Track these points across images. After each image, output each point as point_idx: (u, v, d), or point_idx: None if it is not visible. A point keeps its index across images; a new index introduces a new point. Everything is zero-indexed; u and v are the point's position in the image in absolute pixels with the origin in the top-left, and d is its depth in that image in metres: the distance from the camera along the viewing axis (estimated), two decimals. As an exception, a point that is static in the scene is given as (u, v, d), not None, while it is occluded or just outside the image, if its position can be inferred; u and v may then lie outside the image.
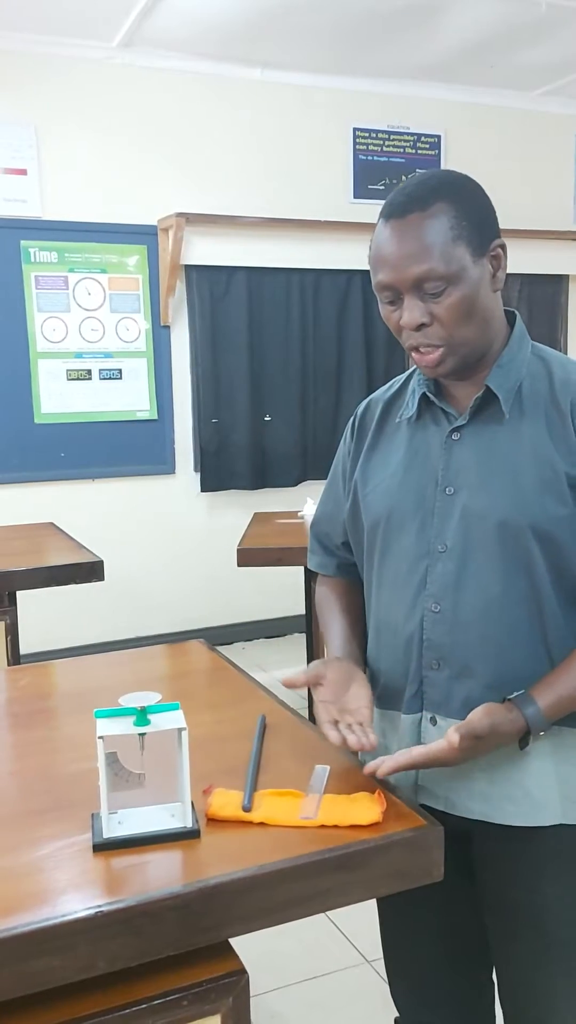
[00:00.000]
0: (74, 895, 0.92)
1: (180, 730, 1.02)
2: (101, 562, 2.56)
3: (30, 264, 4.20)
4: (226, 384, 4.61)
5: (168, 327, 4.50)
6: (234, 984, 0.97)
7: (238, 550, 3.06)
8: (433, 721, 1.23)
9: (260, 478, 4.73)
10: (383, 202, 1.19)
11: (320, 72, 4.55)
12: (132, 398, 4.47)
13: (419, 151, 4.92)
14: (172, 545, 4.58)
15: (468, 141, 4.97)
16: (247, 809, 1.06)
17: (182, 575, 4.59)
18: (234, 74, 4.44)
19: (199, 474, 4.62)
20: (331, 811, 1.06)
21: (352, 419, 1.40)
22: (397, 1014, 1.47)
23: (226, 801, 1.07)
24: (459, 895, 1.30)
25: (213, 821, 1.05)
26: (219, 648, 1.76)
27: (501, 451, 1.19)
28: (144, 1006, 0.94)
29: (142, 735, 1.03)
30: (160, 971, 0.95)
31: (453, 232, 1.12)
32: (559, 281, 5.28)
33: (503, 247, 1.17)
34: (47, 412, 4.30)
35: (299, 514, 3.33)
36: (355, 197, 4.77)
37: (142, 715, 1.02)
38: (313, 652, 3.21)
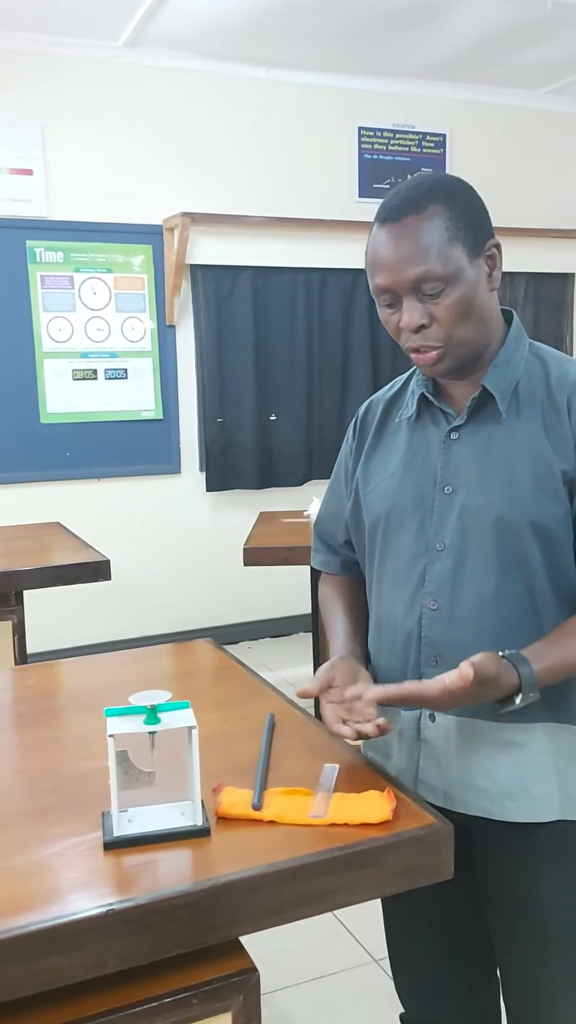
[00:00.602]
0: (84, 893, 0.92)
1: (190, 728, 1.02)
2: (108, 561, 2.56)
3: (36, 264, 4.21)
4: (231, 384, 4.61)
5: (173, 327, 4.50)
6: (244, 982, 0.97)
7: (245, 549, 3.06)
8: (432, 717, 1.25)
9: (266, 477, 4.72)
10: None
11: (325, 71, 4.55)
12: (138, 398, 4.47)
13: (424, 150, 4.91)
14: (178, 545, 4.59)
15: (473, 140, 4.97)
16: (257, 808, 1.06)
17: (188, 575, 4.59)
18: (239, 73, 4.44)
19: (204, 474, 4.63)
20: (341, 809, 1.05)
21: (354, 419, 1.42)
22: (402, 1011, 1.47)
23: (236, 799, 1.07)
24: (461, 891, 1.30)
25: (223, 819, 1.05)
26: (225, 647, 1.76)
27: (498, 450, 1.21)
28: (154, 1004, 0.94)
29: (152, 733, 1.03)
30: (170, 969, 0.95)
31: (449, 233, 1.13)
32: (565, 279, 5.27)
33: (498, 247, 1.19)
34: (53, 412, 4.31)
35: (305, 513, 3.33)
36: (360, 196, 4.77)
37: (152, 714, 1.02)
38: (319, 651, 3.22)
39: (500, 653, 1.13)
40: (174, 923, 0.91)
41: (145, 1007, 0.93)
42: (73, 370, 4.33)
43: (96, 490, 4.42)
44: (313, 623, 3.46)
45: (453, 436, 1.25)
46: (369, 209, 1.23)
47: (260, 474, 4.70)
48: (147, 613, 4.49)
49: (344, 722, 1.18)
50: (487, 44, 4.28)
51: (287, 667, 4.23)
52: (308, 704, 3.46)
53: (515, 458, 1.19)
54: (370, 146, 4.79)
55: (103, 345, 4.37)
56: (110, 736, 1.00)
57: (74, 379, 4.33)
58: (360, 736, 1.16)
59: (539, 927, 1.24)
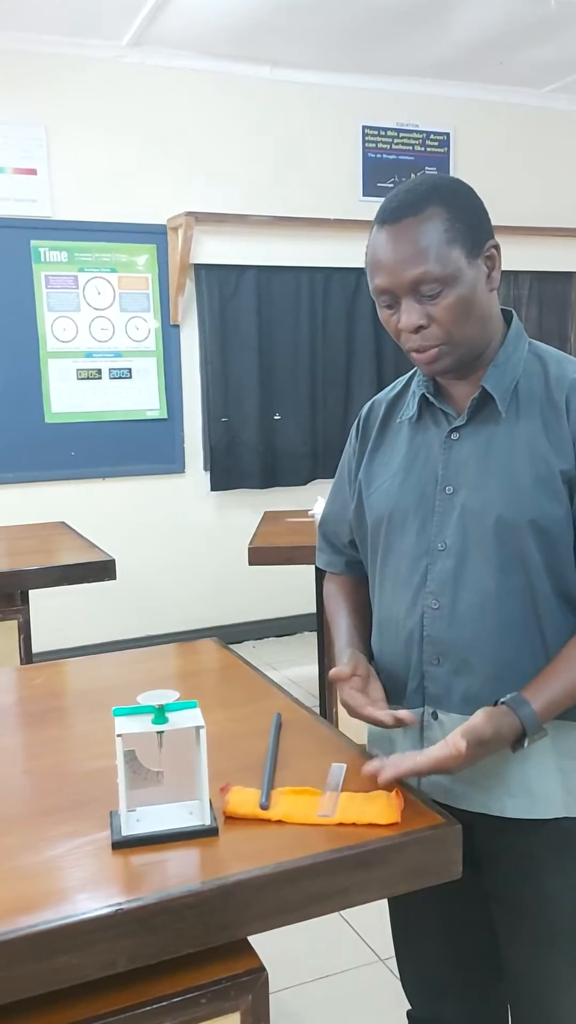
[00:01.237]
0: (93, 893, 0.92)
1: (198, 728, 1.02)
2: (113, 561, 2.56)
3: (40, 264, 4.21)
4: (236, 383, 4.61)
5: (178, 326, 4.50)
6: (253, 982, 0.97)
7: (249, 549, 3.06)
8: (434, 715, 1.25)
9: (270, 477, 4.72)
10: None
11: (329, 70, 4.55)
12: (142, 397, 4.47)
13: (428, 149, 4.91)
14: (182, 544, 4.59)
15: (477, 139, 4.97)
16: (265, 807, 1.06)
17: (192, 574, 4.60)
18: (242, 73, 4.44)
19: (209, 473, 4.62)
20: (349, 809, 1.06)
21: (357, 420, 1.43)
22: (409, 1008, 1.47)
23: (244, 799, 1.07)
24: (466, 887, 1.30)
25: (231, 819, 1.05)
26: (230, 647, 1.76)
27: (498, 450, 1.21)
28: (163, 1004, 0.94)
29: (161, 733, 1.03)
30: (179, 969, 0.95)
31: (447, 235, 1.14)
32: (568, 278, 5.26)
33: (497, 247, 1.20)
34: (57, 411, 4.31)
35: (309, 513, 3.33)
36: (364, 195, 4.77)
37: (160, 713, 1.02)
38: (324, 651, 3.21)
39: (499, 700, 1.14)
40: (183, 923, 0.91)
41: (154, 1006, 0.93)
42: (77, 370, 4.33)
43: (100, 490, 4.43)
44: (318, 622, 3.46)
45: (454, 436, 1.25)
46: (373, 208, 1.23)
47: (264, 473, 4.70)
48: (152, 612, 4.49)
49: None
50: (491, 43, 4.27)
51: (292, 666, 4.23)
52: (315, 703, 3.47)
53: (515, 458, 1.20)
54: (374, 145, 4.79)
55: (107, 345, 4.37)
56: (118, 735, 1.00)
57: (78, 379, 4.34)
58: (395, 720, 1.16)
59: (543, 923, 1.25)
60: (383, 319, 1.22)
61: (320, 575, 1.61)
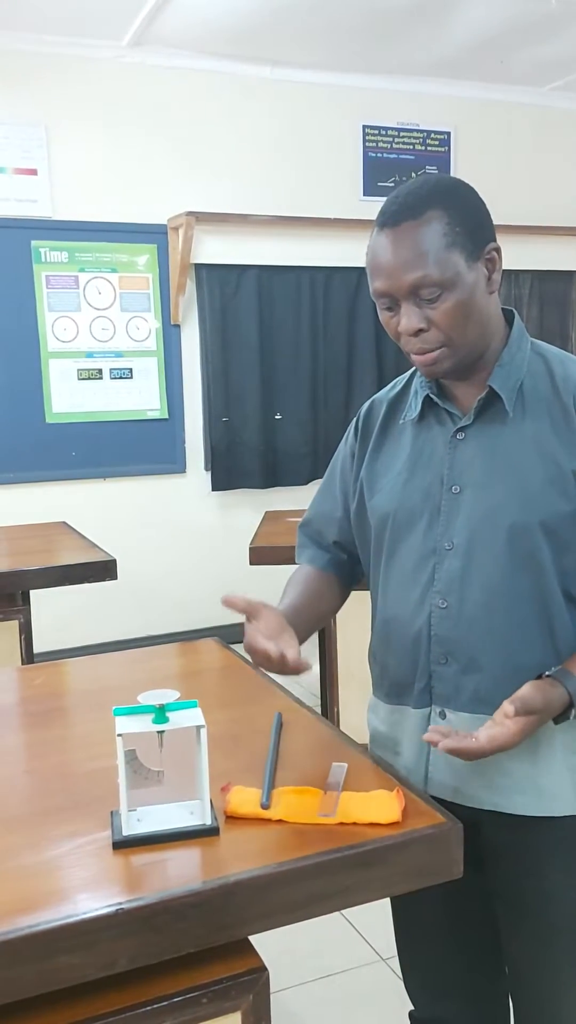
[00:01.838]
0: (94, 893, 0.92)
1: (199, 727, 1.02)
2: (114, 561, 2.56)
3: (41, 264, 4.21)
4: (237, 383, 4.61)
5: (178, 326, 4.50)
6: (254, 981, 0.97)
7: (250, 548, 3.06)
8: (442, 715, 1.25)
9: (271, 477, 4.72)
10: None
11: (330, 70, 4.55)
12: (143, 397, 4.47)
13: (429, 148, 4.91)
14: (183, 544, 4.59)
15: (478, 138, 4.96)
16: (265, 807, 1.06)
17: (193, 574, 4.59)
18: (243, 72, 4.44)
19: (210, 473, 4.62)
20: (350, 809, 1.05)
21: (355, 420, 1.42)
22: (411, 1008, 1.47)
23: (244, 799, 1.07)
24: (469, 885, 1.30)
25: (232, 819, 1.05)
26: (231, 647, 1.76)
27: (505, 449, 1.21)
28: (164, 1004, 0.94)
29: (161, 733, 1.03)
30: (180, 969, 0.95)
31: (447, 239, 1.14)
32: (570, 277, 5.26)
33: (498, 250, 1.20)
34: (58, 412, 4.31)
35: (311, 512, 3.32)
36: (365, 195, 4.77)
37: (161, 713, 1.02)
38: (325, 650, 3.21)
39: (546, 673, 1.15)
40: (184, 922, 0.91)
41: (155, 1006, 0.93)
42: (78, 370, 4.33)
43: (101, 490, 4.43)
44: (319, 622, 3.46)
45: (459, 436, 1.25)
46: (374, 207, 1.23)
47: (265, 473, 4.70)
48: (153, 612, 4.49)
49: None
50: (492, 42, 4.27)
51: (293, 666, 4.22)
52: (316, 703, 3.46)
53: (523, 457, 1.20)
54: (375, 144, 4.79)
55: (108, 345, 4.37)
56: (119, 735, 1.00)
57: (79, 379, 4.34)
58: (283, 657, 1.13)
59: (547, 920, 1.25)
60: (383, 321, 1.22)
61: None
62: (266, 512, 3.78)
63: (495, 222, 1.22)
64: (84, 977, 0.88)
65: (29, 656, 2.54)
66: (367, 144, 4.77)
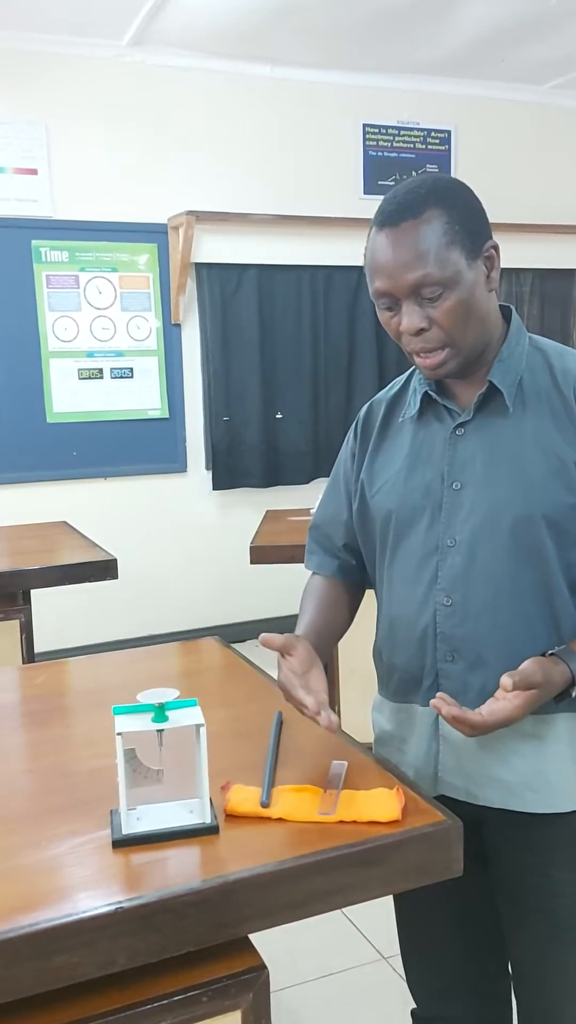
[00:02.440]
0: (94, 891, 0.92)
1: (198, 726, 1.02)
2: (115, 560, 2.56)
3: (41, 263, 4.21)
4: (237, 382, 4.60)
5: (179, 325, 4.50)
6: (254, 980, 0.97)
7: (251, 548, 3.06)
8: None
9: (272, 476, 4.72)
10: None
11: (330, 68, 4.54)
12: (143, 397, 4.47)
13: (429, 146, 4.90)
14: (184, 543, 4.59)
15: (479, 136, 4.96)
16: (265, 805, 1.06)
17: (194, 573, 4.60)
18: (243, 71, 4.43)
19: (211, 472, 4.62)
20: (349, 807, 1.05)
21: (355, 422, 1.42)
22: (413, 1006, 1.47)
23: (244, 797, 1.07)
24: (474, 883, 1.31)
25: (231, 817, 1.05)
26: (232, 646, 1.76)
27: (506, 444, 1.21)
28: (164, 1002, 0.94)
29: (160, 731, 1.03)
30: (180, 967, 0.95)
31: (447, 237, 1.13)
32: (571, 275, 5.25)
33: (496, 248, 1.20)
34: (59, 411, 4.31)
35: (311, 511, 3.31)
36: (365, 193, 4.76)
37: (160, 711, 1.02)
38: (326, 649, 3.22)
39: (548, 652, 1.15)
40: (183, 921, 0.91)
41: (155, 1005, 0.93)
42: (79, 369, 4.33)
43: (102, 489, 4.43)
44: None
45: (459, 432, 1.25)
46: (374, 206, 1.23)
47: (266, 472, 4.70)
48: (154, 612, 4.49)
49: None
50: (492, 40, 4.27)
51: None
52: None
53: (524, 452, 1.20)
54: (375, 143, 4.78)
55: (109, 344, 4.37)
56: (118, 734, 1.00)
57: (80, 378, 4.34)
58: (318, 714, 1.13)
59: (552, 916, 1.25)
60: (383, 321, 1.22)
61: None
62: (267, 511, 3.78)
63: (495, 220, 1.22)
64: (84, 976, 0.88)
65: (30, 655, 2.54)
66: (367, 143, 4.77)
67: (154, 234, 4.37)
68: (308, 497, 3.95)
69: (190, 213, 4.20)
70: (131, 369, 4.43)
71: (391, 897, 1.37)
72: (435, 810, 1.06)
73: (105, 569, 2.55)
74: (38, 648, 2.61)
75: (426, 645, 1.26)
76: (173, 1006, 0.94)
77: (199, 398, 4.59)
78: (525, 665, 1.12)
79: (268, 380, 4.65)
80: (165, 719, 1.02)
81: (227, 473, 4.64)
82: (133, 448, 4.46)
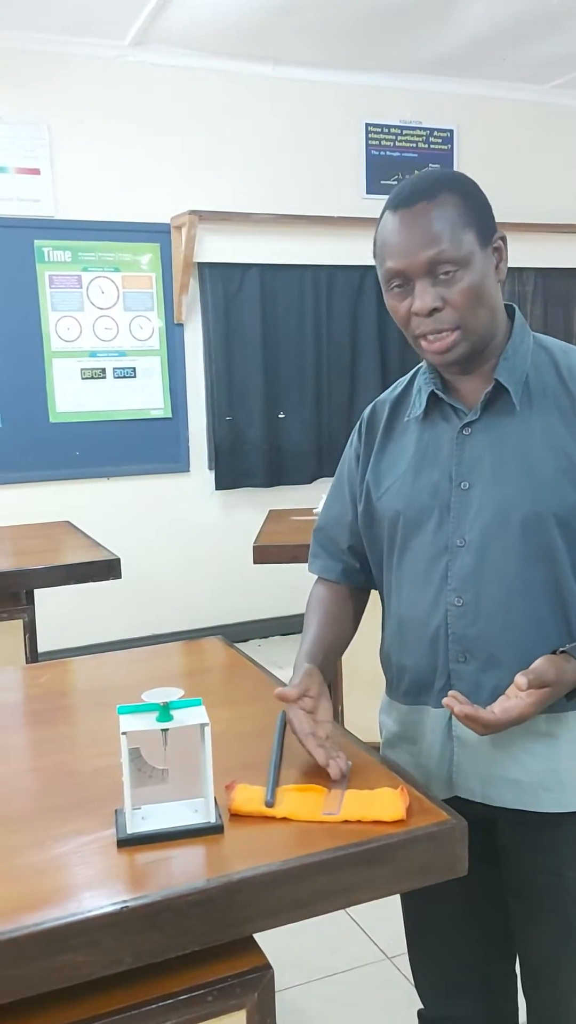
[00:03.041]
0: (99, 891, 0.92)
1: (203, 726, 1.02)
2: (118, 560, 2.56)
3: (44, 263, 4.21)
4: (240, 381, 4.61)
5: (182, 325, 4.50)
6: (259, 979, 0.97)
7: (254, 547, 3.06)
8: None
9: (275, 475, 4.72)
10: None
11: (332, 67, 4.54)
12: (146, 396, 4.48)
13: (432, 146, 4.90)
14: (187, 543, 4.59)
15: (481, 135, 4.96)
16: (270, 805, 1.06)
17: (197, 573, 4.60)
18: (246, 70, 4.43)
19: (214, 472, 4.63)
20: (354, 806, 1.05)
21: (359, 423, 1.42)
22: (420, 1007, 1.47)
23: (249, 797, 1.07)
24: (483, 884, 1.31)
25: (236, 817, 1.05)
26: (235, 645, 1.76)
27: (514, 443, 1.21)
28: (169, 1002, 0.94)
29: (165, 731, 1.03)
30: (185, 967, 0.95)
31: (462, 219, 1.15)
32: (573, 274, 5.25)
33: (504, 240, 1.21)
34: (62, 411, 4.32)
35: (314, 511, 3.32)
36: (368, 192, 4.76)
37: (165, 711, 1.02)
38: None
39: (559, 649, 1.15)
40: (188, 920, 0.91)
41: (160, 1004, 0.93)
42: (82, 369, 4.33)
43: (105, 489, 4.43)
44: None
45: (466, 432, 1.24)
46: (376, 206, 1.23)
47: (269, 472, 4.70)
48: (157, 611, 4.49)
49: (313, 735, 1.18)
50: (494, 39, 4.26)
51: (297, 665, 4.22)
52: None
53: (533, 450, 1.19)
54: (377, 142, 4.78)
55: (111, 344, 4.37)
56: (123, 733, 1.00)
57: (83, 378, 4.34)
58: (328, 765, 1.14)
59: (562, 914, 1.25)
60: (392, 306, 1.21)
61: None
62: (270, 511, 3.78)
63: (498, 220, 1.23)
64: (89, 975, 0.88)
65: (33, 655, 2.54)
66: (370, 142, 4.77)
67: (157, 234, 4.37)
68: (311, 497, 3.95)
69: (193, 213, 4.20)
70: (134, 369, 4.43)
71: (396, 897, 1.36)
72: (439, 809, 1.06)
73: (108, 569, 2.55)
74: (41, 648, 2.61)
75: (437, 646, 1.25)
76: (178, 1006, 0.94)
77: (202, 398, 4.59)
78: (538, 663, 1.12)
79: (271, 380, 4.65)
80: (169, 718, 1.02)
81: (230, 473, 4.64)
82: (136, 448, 4.47)
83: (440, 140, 4.91)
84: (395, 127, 4.81)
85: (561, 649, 1.15)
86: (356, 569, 1.43)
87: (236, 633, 4.52)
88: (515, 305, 1.29)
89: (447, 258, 1.14)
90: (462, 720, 1.13)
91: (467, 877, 1.05)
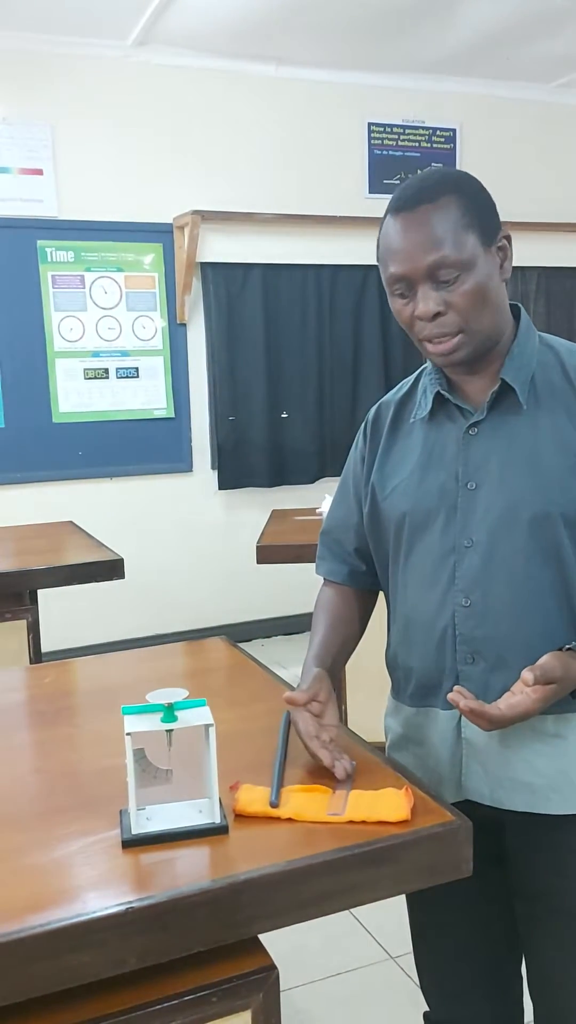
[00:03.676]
0: (104, 891, 0.92)
1: (207, 726, 1.02)
2: (121, 560, 2.56)
3: (47, 264, 4.22)
4: (243, 381, 4.61)
5: (184, 325, 4.50)
6: (264, 980, 0.97)
7: (258, 547, 3.06)
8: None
9: (277, 475, 4.72)
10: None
11: (335, 67, 4.54)
12: (149, 396, 4.48)
13: (435, 145, 4.90)
14: (190, 543, 4.59)
15: (484, 134, 4.95)
16: (274, 805, 1.06)
17: (201, 573, 4.60)
18: (248, 70, 4.43)
19: (216, 472, 4.63)
20: (359, 807, 1.05)
21: (363, 425, 1.41)
22: (426, 1009, 1.47)
23: (253, 797, 1.07)
24: (490, 885, 1.31)
25: (240, 817, 1.05)
26: (239, 645, 1.76)
27: (521, 443, 1.20)
28: (174, 1002, 0.94)
29: (170, 731, 1.03)
30: (190, 967, 0.95)
31: (464, 221, 1.14)
32: (577, 274, 5.25)
33: (508, 238, 1.20)
34: (65, 411, 4.32)
35: (317, 511, 3.32)
36: (371, 192, 4.76)
37: (169, 711, 1.02)
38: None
39: (566, 647, 1.14)
40: (193, 921, 0.91)
41: (165, 1005, 0.93)
42: (84, 369, 4.33)
43: (108, 489, 4.43)
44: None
45: (472, 432, 1.24)
46: (379, 205, 1.23)
47: (272, 472, 4.70)
48: (160, 611, 4.49)
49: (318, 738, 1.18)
50: (497, 38, 4.26)
51: (301, 665, 4.22)
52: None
53: (540, 449, 1.19)
54: (380, 142, 4.78)
55: (114, 344, 4.38)
56: (128, 734, 1.00)
57: (85, 378, 4.34)
58: (333, 767, 1.14)
59: (571, 916, 1.24)
60: (396, 309, 1.21)
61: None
62: (273, 511, 3.78)
63: (502, 219, 1.22)
64: (94, 976, 0.88)
65: (37, 655, 2.55)
66: (372, 141, 4.76)
67: (159, 234, 4.37)
68: (314, 497, 3.95)
69: (195, 213, 4.20)
70: (136, 369, 4.43)
71: (400, 897, 1.36)
72: (444, 810, 1.06)
73: (111, 569, 2.55)
74: (45, 648, 2.62)
75: (445, 647, 1.24)
76: (183, 1006, 0.94)
77: (204, 398, 4.59)
78: (545, 659, 1.11)
79: (273, 379, 4.65)
80: (174, 719, 1.02)
81: (233, 473, 4.64)
82: (139, 448, 4.47)
83: (443, 139, 4.91)
84: (398, 126, 4.81)
85: (568, 646, 1.14)
86: (363, 571, 1.43)
87: (239, 633, 4.52)
88: (520, 305, 1.28)
89: (449, 262, 1.13)
90: (467, 715, 1.12)
91: (473, 878, 1.05)
